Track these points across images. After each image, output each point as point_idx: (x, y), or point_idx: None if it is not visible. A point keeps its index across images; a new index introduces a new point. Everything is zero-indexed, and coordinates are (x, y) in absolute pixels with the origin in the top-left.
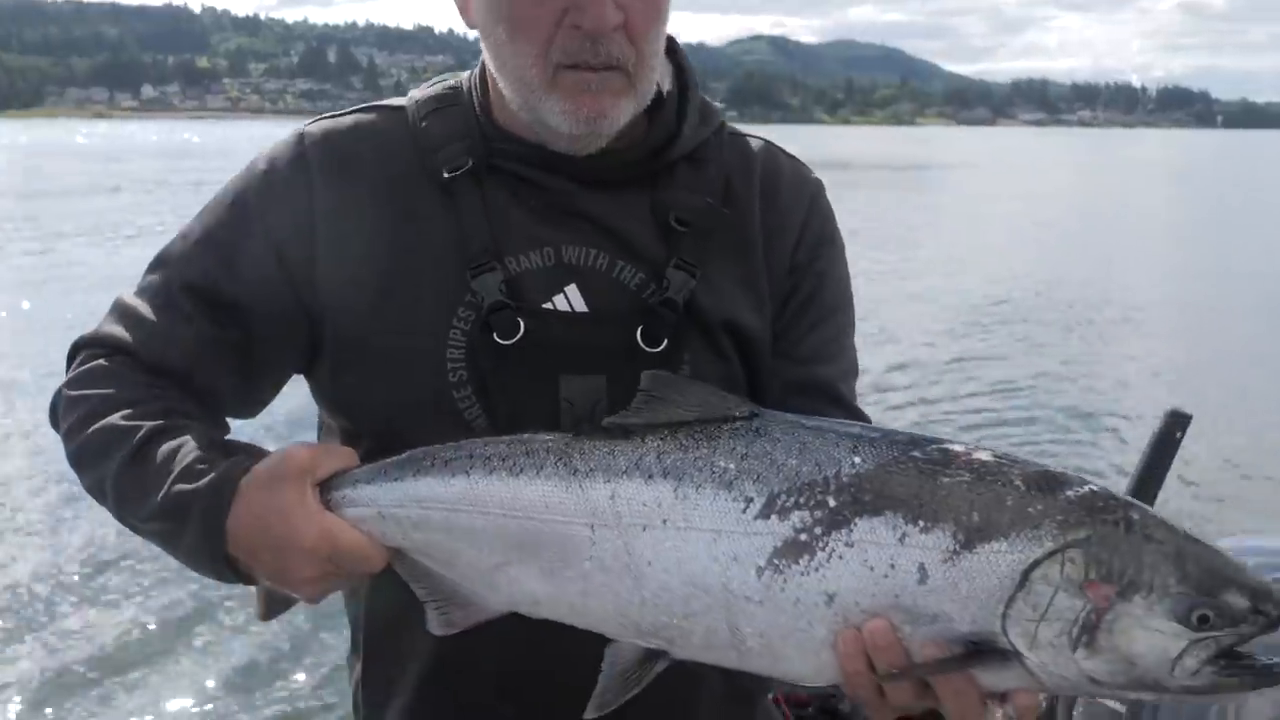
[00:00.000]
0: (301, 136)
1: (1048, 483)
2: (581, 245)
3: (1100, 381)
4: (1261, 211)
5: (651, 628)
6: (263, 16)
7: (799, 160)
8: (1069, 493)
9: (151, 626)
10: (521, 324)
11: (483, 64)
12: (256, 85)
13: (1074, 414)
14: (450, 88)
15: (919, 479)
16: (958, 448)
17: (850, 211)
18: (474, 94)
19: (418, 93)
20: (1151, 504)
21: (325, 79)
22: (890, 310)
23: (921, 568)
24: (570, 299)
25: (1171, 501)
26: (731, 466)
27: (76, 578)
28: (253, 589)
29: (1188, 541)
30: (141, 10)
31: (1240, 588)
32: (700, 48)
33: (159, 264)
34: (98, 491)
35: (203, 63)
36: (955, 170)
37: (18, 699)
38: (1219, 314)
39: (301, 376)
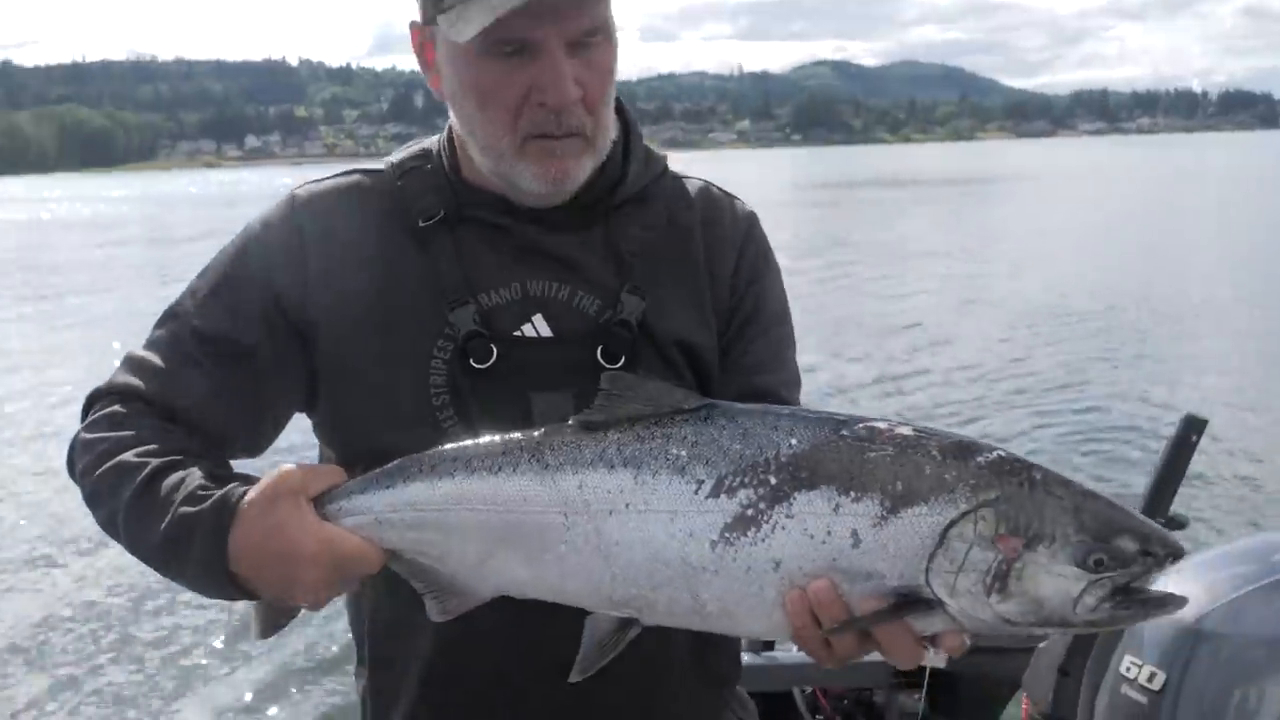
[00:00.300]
0: (292, 199)
1: (961, 451)
2: (544, 279)
3: (1149, 381)
4: None
5: (623, 600)
6: (354, 66)
7: (735, 196)
8: (979, 459)
9: (167, 652)
10: (494, 350)
11: (449, 128)
12: (350, 131)
13: (1124, 411)
14: (422, 150)
15: (848, 455)
16: (881, 425)
17: (911, 226)
18: (443, 155)
19: (393, 156)
20: (1170, 504)
21: (413, 122)
22: (953, 316)
23: (854, 533)
24: (537, 326)
25: (1199, 498)
26: (683, 453)
27: (89, 616)
28: (250, 612)
29: (1084, 496)
30: (243, 66)
31: (1130, 533)
32: (764, 75)
33: (167, 319)
34: (110, 525)
35: (300, 112)
36: (1015, 182)
37: None
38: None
39: (303, 418)
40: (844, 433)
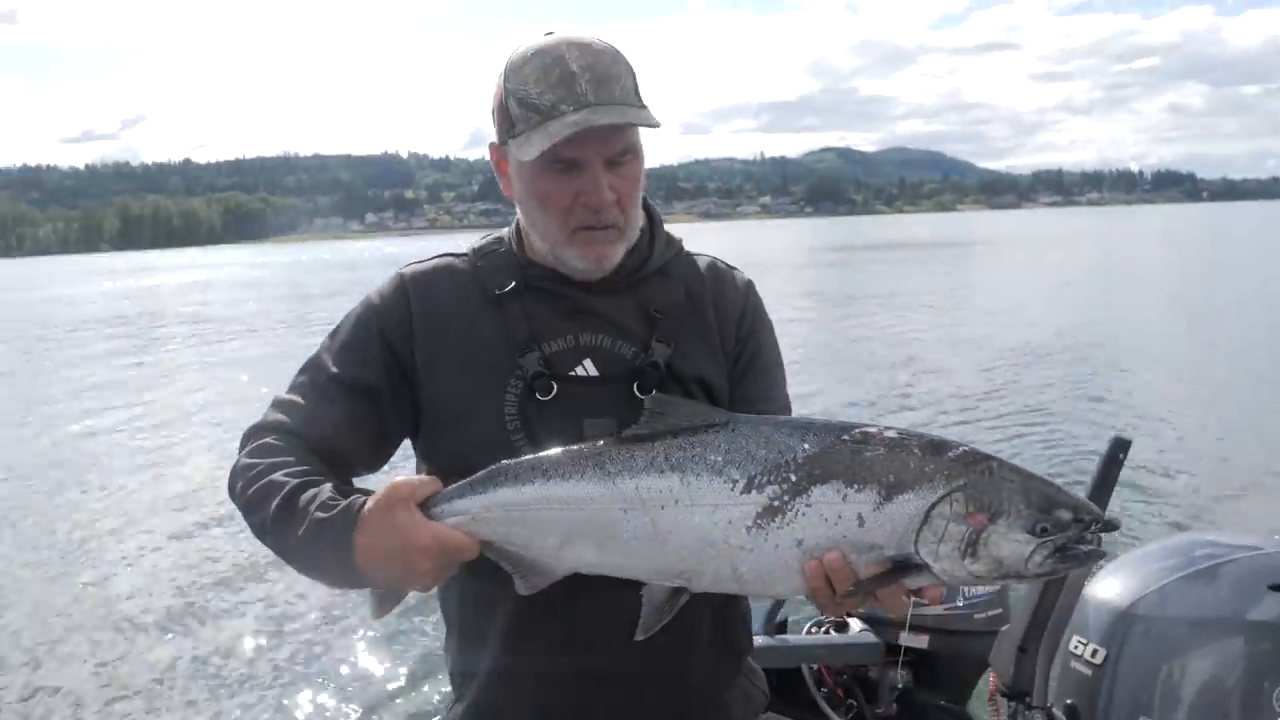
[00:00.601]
0: (401, 276)
1: (935, 448)
2: (592, 332)
3: (1094, 406)
4: (1238, 268)
5: (675, 574)
6: (452, 157)
7: (735, 268)
8: (950, 454)
9: (292, 633)
10: (555, 386)
11: (517, 221)
12: (448, 208)
13: (1072, 431)
14: (495, 238)
15: (851, 455)
16: (872, 429)
17: (906, 281)
18: (513, 241)
19: (474, 244)
20: (1104, 510)
21: (498, 200)
22: (940, 352)
23: (859, 516)
24: (586, 368)
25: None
26: (719, 459)
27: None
28: (369, 597)
29: (1029, 479)
30: (365, 158)
31: (1065, 506)
32: (782, 159)
33: (307, 368)
34: (260, 532)
35: (409, 194)
36: (988, 246)
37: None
38: (1207, 350)
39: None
40: (844, 437)
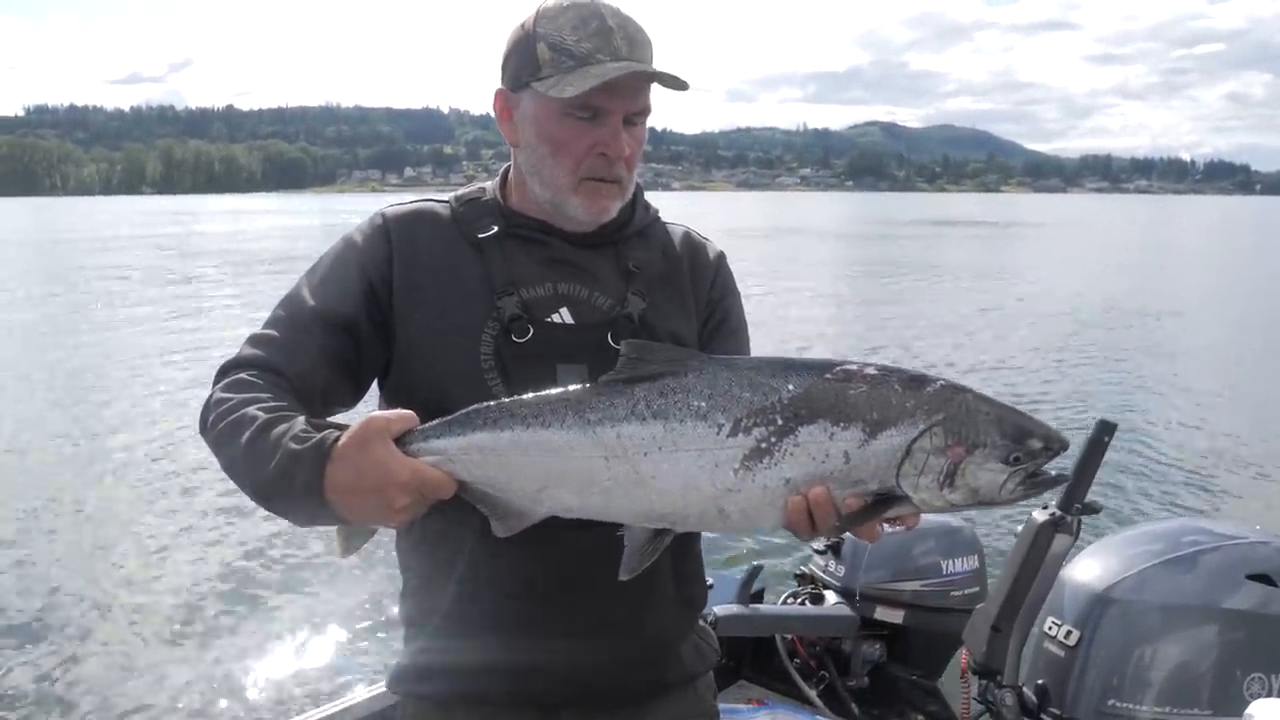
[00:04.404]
0: (382, 215)
1: (915, 384)
2: (570, 282)
3: (1114, 382)
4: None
5: (659, 517)
6: (493, 114)
7: (708, 239)
8: (929, 389)
9: (260, 572)
10: (531, 330)
11: (504, 171)
12: (486, 165)
13: (1092, 405)
14: (479, 188)
15: (835, 393)
16: (854, 367)
17: (946, 258)
18: (497, 191)
19: (456, 193)
20: (1086, 492)
21: None
22: (975, 321)
23: (845, 454)
24: (563, 316)
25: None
26: (703, 404)
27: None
28: (336, 535)
29: (1004, 410)
30: (406, 112)
31: (1036, 436)
32: (825, 132)
33: (283, 305)
34: (230, 468)
35: (448, 150)
36: (1031, 228)
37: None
38: (1237, 343)
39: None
40: (827, 376)
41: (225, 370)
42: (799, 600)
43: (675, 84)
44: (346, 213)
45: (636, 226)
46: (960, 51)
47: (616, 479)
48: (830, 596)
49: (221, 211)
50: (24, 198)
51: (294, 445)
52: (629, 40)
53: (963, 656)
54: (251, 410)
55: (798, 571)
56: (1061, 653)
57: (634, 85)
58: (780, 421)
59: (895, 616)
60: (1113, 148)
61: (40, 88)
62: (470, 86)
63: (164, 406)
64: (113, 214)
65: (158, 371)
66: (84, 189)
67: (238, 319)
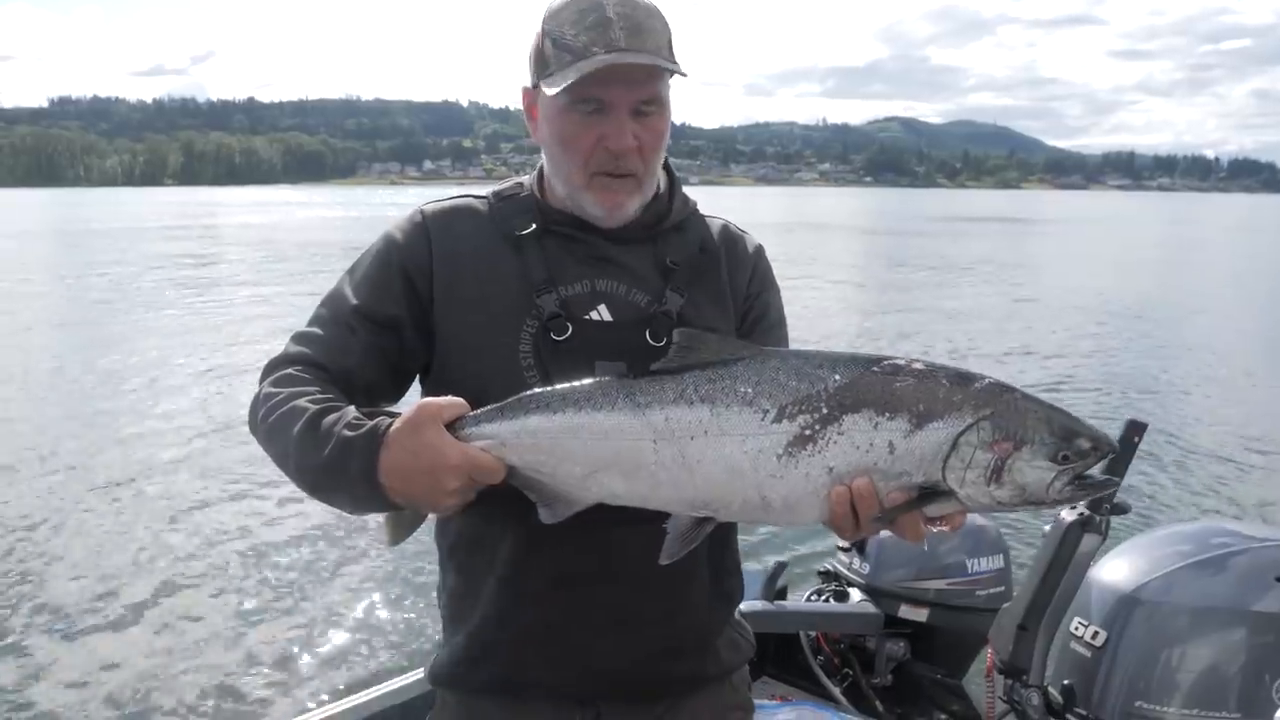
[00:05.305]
0: (422, 212)
1: (962, 379)
2: (609, 279)
3: (1143, 384)
4: None
5: (702, 504)
6: (511, 107)
7: (746, 232)
8: (976, 385)
9: (295, 572)
10: (570, 327)
11: (540, 167)
12: (505, 159)
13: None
14: (516, 184)
15: (881, 385)
16: (901, 362)
17: (968, 254)
18: (535, 187)
19: (495, 188)
20: (1114, 494)
21: None
22: (997, 313)
23: (890, 443)
24: (601, 314)
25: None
26: (750, 390)
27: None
28: (385, 523)
29: (1052, 410)
30: (425, 105)
31: (1085, 436)
32: (845, 127)
33: (326, 303)
34: (282, 460)
35: (467, 143)
36: (1052, 224)
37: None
38: (1260, 343)
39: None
40: (874, 369)
41: (271, 367)
42: (823, 597)
43: (669, 70)
44: (368, 205)
45: (674, 220)
46: (982, 46)
47: (663, 462)
48: (855, 594)
49: (246, 204)
50: (48, 189)
51: (347, 433)
52: (631, 29)
53: (988, 656)
54: (302, 403)
55: (822, 569)
56: (1088, 653)
57: (634, 75)
58: (825, 410)
59: (920, 615)
60: (1136, 145)
61: (64, 79)
62: (489, 80)
63: (198, 398)
64: (144, 205)
65: (186, 361)
66: (107, 180)
67: (272, 311)
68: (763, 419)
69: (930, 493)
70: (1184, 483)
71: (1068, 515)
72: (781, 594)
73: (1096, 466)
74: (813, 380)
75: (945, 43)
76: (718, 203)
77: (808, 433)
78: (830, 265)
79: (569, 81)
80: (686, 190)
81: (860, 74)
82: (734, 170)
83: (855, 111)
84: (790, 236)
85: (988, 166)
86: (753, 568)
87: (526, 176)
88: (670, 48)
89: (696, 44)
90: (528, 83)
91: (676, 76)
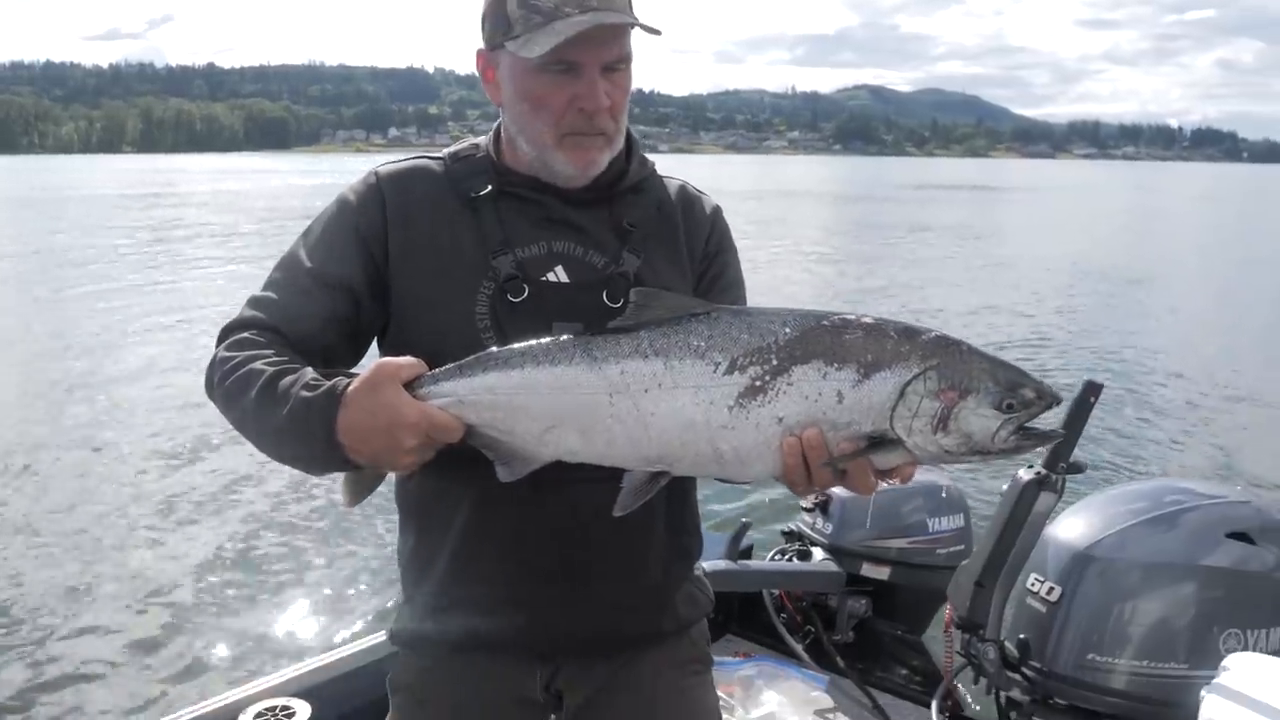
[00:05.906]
0: (376, 174)
1: (910, 332)
2: (565, 241)
3: (1100, 346)
4: (1265, 230)
5: (657, 458)
6: (477, 74)
7: (704, 193)
8: (923, 337)
9: (266, 541)
10: (526, 289)
11: (496, 128)
12: (472, 127)
13: (1076, 362)
14: (472, 144)
15: (830, 337)
16: (851, 316)
17: (935, 221)
18: (491, 148)
19: (450, 149)
20: (1071, 451)
21: None
22: (962, 279)
23: (839, 393)
24: (558, 275)
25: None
26: (702, 343)
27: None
28: (343, 483)
29: (995, 361)
30: (391, 71)
31: (1029, 385)
32: (814, 95)
33: (280, 267)
34: (240, 423)
35: (433, 110)
36: (1019, 192)
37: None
38: (1223, 307)
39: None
40: (824, 322)
41: (227, 332)
42: (786, 557)
43: (646, 29)
44: (334, 173)
45: (631, 181)
46: (951, 14)
47: (618, 416)
48: (817, 553)
49: (209, 170)
50: (1, 156)
51: (305, 393)
52: None
53: (946, 612)
54: (259, 365)
55: (786, 529)
56: (1043, 608)
57: (605, 35)
58: (775, 361)
59: (881, 573)
60: (1101, 113)
61: (15, 44)
62: (455, 46)
63: (159, 364)
64: (104, 172)
65: (147, 331)
66: (63, 147)
67: (238, 274)
68: (714, 371)
69: (879, 441)
70: (1140, 443)
71: (1024, 474)
72: (746, 554)
73: (1043, 417)
74: (764, 334)
75: (914, 10)
76: (688, 170)
77: (758, 384)
78: (800, 231)
79: (553, 44)
80: (652, 159)
81: (830, 42)
82: (704, 138)
83: (825, 80)
84: (760, 204)
85: (956, 135)
86: (718, 530)
87: (483, 138)
88: (631, 5)
89: (666, 9)
90: (481, 45)
91: (637, 30)
